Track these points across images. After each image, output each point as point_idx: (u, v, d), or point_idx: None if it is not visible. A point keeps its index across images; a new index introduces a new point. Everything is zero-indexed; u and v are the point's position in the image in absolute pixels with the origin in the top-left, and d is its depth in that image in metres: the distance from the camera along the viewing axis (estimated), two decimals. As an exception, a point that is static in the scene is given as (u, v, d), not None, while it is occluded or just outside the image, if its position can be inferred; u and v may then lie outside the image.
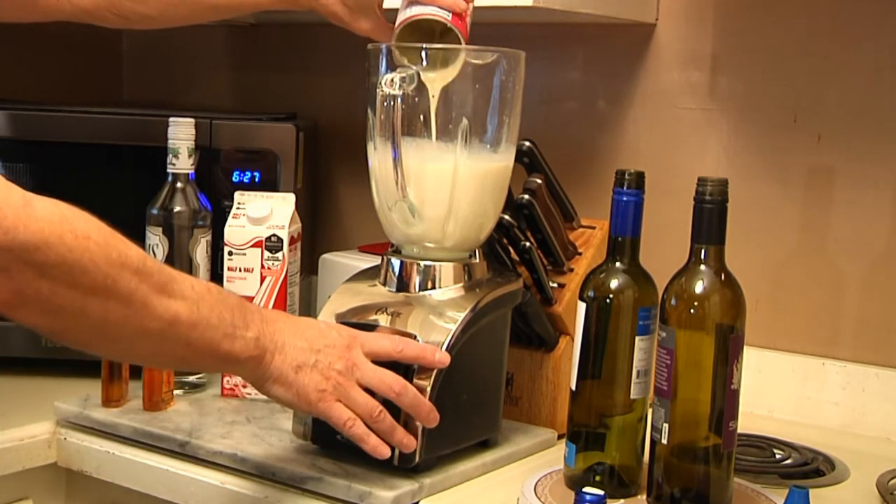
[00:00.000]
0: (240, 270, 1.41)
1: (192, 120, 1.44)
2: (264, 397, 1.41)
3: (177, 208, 1.43)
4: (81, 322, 0.96)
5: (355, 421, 1.10)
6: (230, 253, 1.41)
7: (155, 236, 1.43)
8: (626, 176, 1.14)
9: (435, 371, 1.16)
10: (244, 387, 1.42)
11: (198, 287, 1.03)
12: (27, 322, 0.94)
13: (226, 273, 1.42)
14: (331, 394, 1.09)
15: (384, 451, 1.11)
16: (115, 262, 0.95)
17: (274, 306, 1.41)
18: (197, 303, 1.01)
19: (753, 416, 1.47)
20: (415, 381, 1.16)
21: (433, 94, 1.19)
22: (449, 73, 1.20)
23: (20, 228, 0.90)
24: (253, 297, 1.41)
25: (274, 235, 1.41)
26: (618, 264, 1.15)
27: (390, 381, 1.11)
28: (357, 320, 1.23)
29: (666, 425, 1.09)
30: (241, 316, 1.05)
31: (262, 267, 1.41)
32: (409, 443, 1.12)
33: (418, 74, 1.18)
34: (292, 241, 1.43)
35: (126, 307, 0.96)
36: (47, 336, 1.01)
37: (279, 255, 1.41)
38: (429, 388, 1.15)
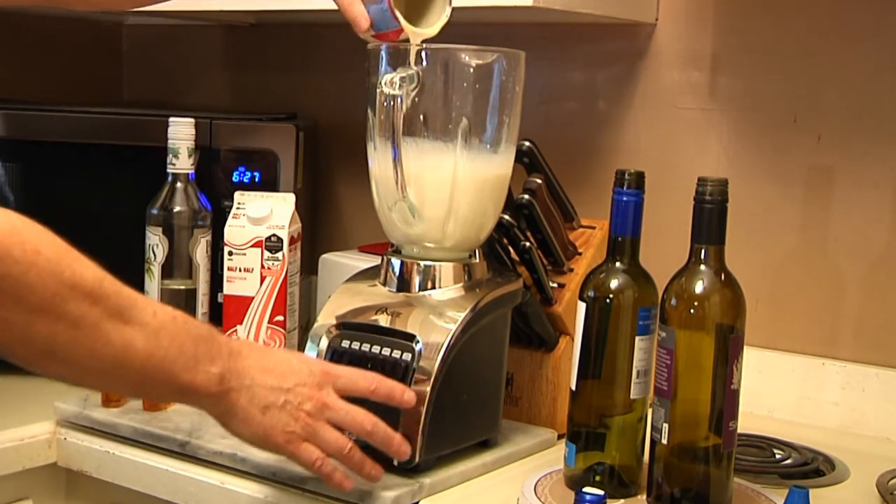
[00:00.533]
0: (240, 270, 1.41)
1: (192, 120, 1.44)
2: (264, 397, 1.42)
3: (177, 208, 1.43)
4: (28, 341, 0.90)
5: (324, 460, 1.06)
6: (230, 253, 1.41)
7: (155, 236, 1.43)
8: (626, 176, 1.14)
9: (435, 371, 1.16)
10: (244, 387, 1.42)
11: (161, 315, 0.97)
12: None
13: (226, 273, 1.42)
14: (299, 435, 1.05)
15: (349, 486, 1.09)
16: (65, 282, 0.90)
17: (274, 306, 1.41)
18: (157, 331, 0.96)
19: (753, 416, 1.46)
20: (415, 380, 1.16)
21: (415, 45, 1.18)
22: (434, 24, 1.20)
23: None
24: (253, 298, 1.41)
25: (274, 235, 1.41)
26: (618, 264, 1.15)
27: (361, 420, 1.08)
28: (357, 320, 1.23)
29: (666, 425, 1.09)
30: (206, 349, 1.00)
31: (262, 267, 1.41)
32: (376, 473, 1.10)
33: (418, 74, 1.18)
34: (292, 241, 1.43)
35: (75, 330, 0.91)
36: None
37: (279, 255, 1.41)
38: (429, 389, 1.16)
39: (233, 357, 1.02)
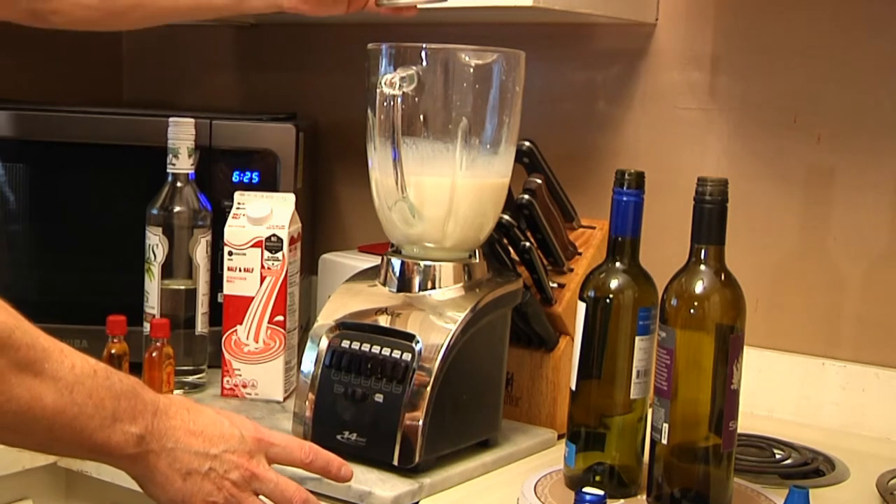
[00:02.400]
0: (240, 270, 1.41)
1: (192, 120, 1.44)
2: (265, 397, 1.42)
3: (177, 208, 1.43)
4: None
5: None
6: (230, 253, 1.41)
7: (155, 236, 1.43)
8: (626, 176, 1.14)
9: (435, 371, 1.16)
10: (244, 387, 1.42)
11: (80, 368, 0.91)
12: None
13: (226, 273, 1.42)
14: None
15: None
16: None
17: (274, 306, 1.41)
18: (72, 386, 0.89)
19: (753, 416, 1.47)
20: (415, 380, 1.16)
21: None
22: None
23: None
24: (253, 298, 1.41)
25: (274, 235, 1.41)
26: (618, 264, 1.15)
27: (291, 495, 1.01)
28: (357, 320, 1.23)
29: (666, 425, 1.09)
30: (129, 406, 0.93)
31: (262, 267, 1.41)
32: None
33: (418, 74, 1.18)
34: (292, 241, 1.43)
35: None
36: None
37: (279, 255, 1.41)
38: (429, 389, 1.16)
39: (158, 416, 0.95)
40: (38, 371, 0.88)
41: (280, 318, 1.42)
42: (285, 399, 1.42)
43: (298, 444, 1.06)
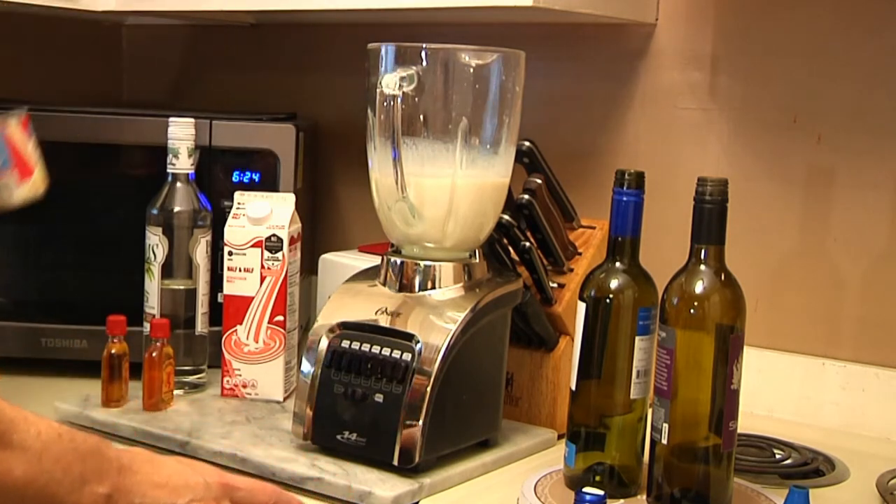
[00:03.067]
0: (240, 270, 1.41)
1: (192, 120, 1.44)
2: (264, 397, 1.42)
3: (177, 208, 1.43)
4: None
5: None
6: (230, 253, 1.41)
7: (155, 236, 1.43)
8: (626, 176, 1.14)
9: (435, 371, 1.16)
10: (244, 387, 1.42)
11: (46, 434, 0.90)
12: None
13: (226, 273, 1.42)
14: None
15: None
16: None
17: (274, 306, 1.41)
18: (40, 454, 0.88)
19: (753, 416, 1.47)
20: (415, 380, 1.16)
21: None
22: None
23: None
24: (253, 297, 1.41)
25: (274, 235, 1.41)
26: (618, 264, 1.15)
27: None
28: (357, 320, 1.23)
29: (666, 425, 1.09)
30: (94, 465, 0.92)
31: (262, 267, 1.41)
32: None
33: (418, 74, 1.18)
34: (292, 241, 1.43)
35: None
36: None
37: (279, 255, 1.41)
38: (429, 389, 1.16)
39: (122, 473, 0.94)
40: (7, 443, 0.87)
41: (280, 318, 1.42)
42: (285, 399, 1.42)
43: (261, 487, 1.04)
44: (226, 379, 1.43)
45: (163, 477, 0.97)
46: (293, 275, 1.44)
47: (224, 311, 1.43)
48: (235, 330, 1.42)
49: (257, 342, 1.42)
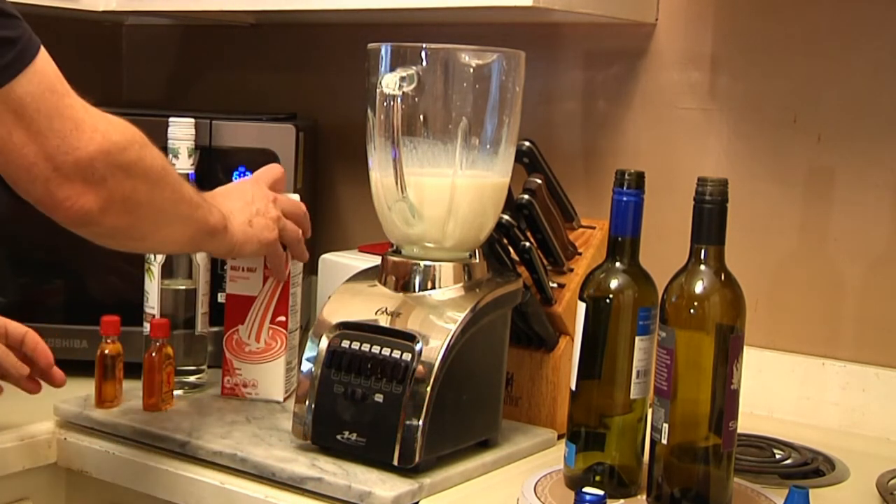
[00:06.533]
0: (242, 270, 1.41)
1: (192, 120, 1.44)
2: (264, 397, 1.42)
3: (177, 208, 1.43)
4: (146, 214, 1.12)
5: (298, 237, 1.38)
6: (230, 253, 1.41)
7: (155, 236, 1.42)
8: (626, 176, 1.14)
9: (435, 371, 1.16)
10: (244, 386, 1.42)
11: (203, 195, 1.24)
12: (106, 225, 1.08)
13: (228, 273, 1.42)
14: (273, 229, 1.33)
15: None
16: (157, 156, 1.14)
17: (276, 307, 1.41)
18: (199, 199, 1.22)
19: (753, 416, 1.47)
20: (415, 380, 1.16)
21: None
22: None
23: (111, 132, 1.08)
24: (255, 297, 1.41)
25: (274, 235, 1.41)
26: (618, 264, 1.15)
27: (298, 204, 1.39)
28: (357, 320, 1.23)
29: (666, 425, 1.09)
30: (200, 197, 1.23)
31: (265, 267, 1.41)
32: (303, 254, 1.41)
33: (418, 74, 1.18)
34: (292, 241, 1.43)
35: (174, 193, 1.16)
36: (111, 240, 1.14)
37: (279, 255, 1.41)
38: (429, 389, 1.16)
39: (210, 198, 1.26)
40: (199, 203, 1.22)
41: (282, 318, 1.41)
42: (285, 399, 1.42)
43: (295, 203, 1.41)
44: (226, 378, 1.43)
45: (228, 191, 1.33)
46: (295, 275, 1.43)
47: (226, 311, 1.43)
48: (237, 329, 1.42)
49: (259, 342, 1.42)
